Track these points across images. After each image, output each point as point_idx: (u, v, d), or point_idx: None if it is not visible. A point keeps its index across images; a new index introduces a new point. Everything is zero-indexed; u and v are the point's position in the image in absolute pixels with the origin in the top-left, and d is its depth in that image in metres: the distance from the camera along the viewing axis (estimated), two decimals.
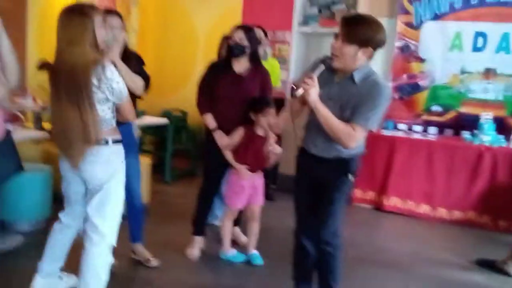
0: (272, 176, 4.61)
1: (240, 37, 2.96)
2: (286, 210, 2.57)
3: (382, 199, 4.66)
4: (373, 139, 4.65)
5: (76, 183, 2.35)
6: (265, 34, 4.13)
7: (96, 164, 2.23)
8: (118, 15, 2.76)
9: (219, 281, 2.93)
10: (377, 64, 4.57)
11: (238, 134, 3.01)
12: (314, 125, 2.34)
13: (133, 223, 2.98)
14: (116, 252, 2.47)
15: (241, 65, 3.03)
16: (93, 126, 2.15)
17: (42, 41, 4.17)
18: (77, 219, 2.46)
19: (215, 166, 3.12)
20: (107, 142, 2.23)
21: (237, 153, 3.04)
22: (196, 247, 3.23)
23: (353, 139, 2.19)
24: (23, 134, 3.33)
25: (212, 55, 3.15)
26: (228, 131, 3.02)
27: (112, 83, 2.16)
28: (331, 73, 2.30)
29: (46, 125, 3.44)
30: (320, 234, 2.42)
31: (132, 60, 2.75)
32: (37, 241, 2.64)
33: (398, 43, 4.96)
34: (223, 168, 3.11)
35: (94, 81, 2.12)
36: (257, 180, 3.15)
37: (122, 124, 2.55)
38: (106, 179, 2.25)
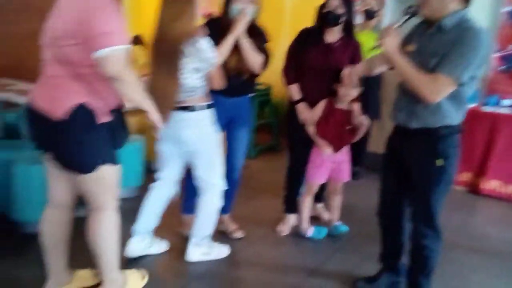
0: (357, 154, 4.41)
1: (336, 5, 2.79)
2: (372, 189, 2.42)
3: (480, 182, 4.27)
4: (471, 115, 4.26)
5: (170, 145, 2.57)
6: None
7: (186, 128, 2.46)
8: None
9: (301, 257, 2.88)
10: None
11: (320, 107, 2.88)
12: (400, 85, 2.17)
13: (226, 195, 3.00)
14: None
15: (333, 35, 2.87)
16: (178, 93, 2.39)
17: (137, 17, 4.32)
18: (171, 180, 2.69)
19: (301, 141, 3.01)
20: (194, 109, 2.44)
21: (317, 127, 2.91)
22: (287, 224, 3.20)
23: (436, 90, 1.93)
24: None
25: (299, 28, 3.01)
26: (313, 104, 2.90)
27: (203, 54, 2.35)
28: (422, 27, 2.09)
29: None
30: (414, 229, 2.23)
31: (256, 35, 2.71)
32: (130, 208, 2.77)
33: (506, 8, 4.42)
34: (309, 143, 3.00)
35: (188, 51, 2.33)
36: (341, 155, 3.00)
37: (238, 96, 2.76)
38: (197, 142, 2.49)
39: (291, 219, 3.21)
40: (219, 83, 2.51)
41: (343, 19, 2.81)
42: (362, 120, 2.90)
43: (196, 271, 2.61)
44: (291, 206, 3.20)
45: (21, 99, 3.24)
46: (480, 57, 1.94)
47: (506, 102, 4.47)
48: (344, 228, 3.13)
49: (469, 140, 4.28)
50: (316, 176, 3.02)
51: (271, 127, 5.53)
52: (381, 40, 2.02)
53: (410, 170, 2.19)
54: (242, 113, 2.85)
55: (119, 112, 2.08)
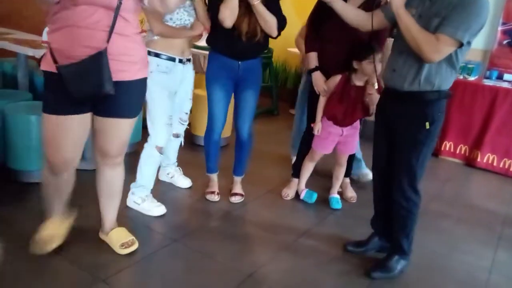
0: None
1: None
2: (368, 157, 2.43)
3: (476, 155, 4.30)
4: (472, 88, 4.25)
5: None
6: None
7: None
8: None
9: (294, 219, 2.91)
10: None
11: (334, 81, 2.80)
12: (396, 46, 2.16)
13: (237, 157, 3.03)
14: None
15: (355, 2, 2.71)
16: None
17: None
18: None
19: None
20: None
21: (329, 102, 2.86)
22: (292, 188, 3.21)
23: (438, 49, 1.94)
24: None
25: None
26: (330, 74, 2.84)
27: None
28: None
29: None
30: (396, 186, 2.26)
31: None
32: (129, 163, 2.78)
33: None
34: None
35: None
36: (349, 130, 2.95)
37: (248, 59, 2.69)
38: None
39: (295, 183, 3.22)
40: (155, 29, 2.44)
41: None
42: (375, 98, 2.73)
43: (189, 226, 2.65)
44: (298, 171, 3.19)
45: (17, 48, 3.18)
46: (481, 22, 1.94)
47: (507, 76, 4.45)
48: (338, 205, 3.11)
49: (467, 113, 4.29)
50: (320, 147, 3.00)
51: (270, 91, 5.50)
52: None
53: (396, 132, 2.21)
54: (251, 76, 2.77)
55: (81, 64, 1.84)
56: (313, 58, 2.89)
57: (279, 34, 2.65)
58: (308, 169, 3.14)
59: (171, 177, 3.15)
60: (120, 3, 1.83)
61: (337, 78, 2.79)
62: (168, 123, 2.67)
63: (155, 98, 2.60)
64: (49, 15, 1.85)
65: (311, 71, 2.91)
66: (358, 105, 2.83)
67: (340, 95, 2.80)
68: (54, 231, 2.21)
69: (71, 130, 1.99)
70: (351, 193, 3.28)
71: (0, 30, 3.81)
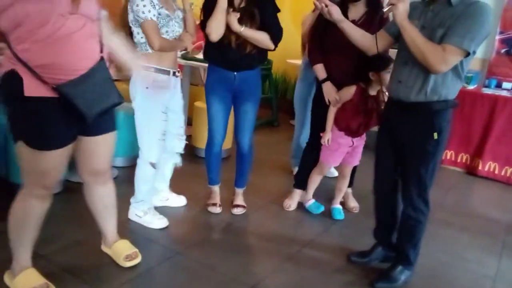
0: None
1: None
2: (369, 166, 2.44)
3: (477, 164, 4.30)
4: (471, 97, 4.27)
5: None
6: None
7: (130, 83, 2.51)
8: None
9: (297, 229, 2.90)
10: None
11: (349, 92, 2.76)
12: (401, 57, 2.16)
13: (238, 169, 3.01)
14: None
15: (357, 11, 2.73)
16: None
17: None
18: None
19: (323, 120, 2.91)
20: None
21: (343, 113, 2.82)
22: (295, 199, 3.20)
23: (444, 60, 1.93)
24: (113, 72, 3.44)
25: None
26: (338, 84, 2.82)
27: (133, 5, 2.34)
28: (424, 3, 2.10)
29: None
30: (405, 197, 2.26)
31: (267, 5, 2.60)
32: (129, 176, 2.78)
33: None
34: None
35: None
36: (359, 140, 2.94)
37: (242, 70, 2.68)
38: (133, 99, 2.53)
39: (298, 194, 3.21)
40: (156, 43, 2.37)
41: None
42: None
43: (192, 239, 2.64)
44: (301, 182, 3.18)
45: None
46: (485, 31, 1.94)
47: (506, 85, 4.47)
48: (340, 216, 3.10)
49: (467, 122, 4.30)
50: (330, 160, 2.98)
51: (270, 102, 5.52)
52: (393, 4, 1.98)
53: (404, 144, 2.20)
54: (248, 87, 2.75)
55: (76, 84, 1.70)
56: (320, 70, 2.88)
57: (276, 46, 2.65)
58: (316, 181, 3.12)
59: (166, 200, 3.02)
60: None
61: (352, 89, 2.76)
62: (161, 139, 2.63)
63: (149, 114, 2.53)
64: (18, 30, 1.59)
65: (321, 82, 2.88)
66: (374, 115, 2.82)
67: (356, 106, 2.78)
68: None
69: (66, 158, 1.86)
70: (353, 203, 3.27)
71: None
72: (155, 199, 2.90)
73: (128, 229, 2.64)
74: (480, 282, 2.50)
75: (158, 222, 2.72)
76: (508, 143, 4.15)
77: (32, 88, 1.64)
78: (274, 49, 2.67)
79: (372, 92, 2.76)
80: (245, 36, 2.54)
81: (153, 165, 2.64)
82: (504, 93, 4.26)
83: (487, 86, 4.46)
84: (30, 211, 1.89)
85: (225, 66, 2.67)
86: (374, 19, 2.59)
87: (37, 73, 1.62)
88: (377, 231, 2.55)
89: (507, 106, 4.13)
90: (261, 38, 2.58)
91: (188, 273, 2.30)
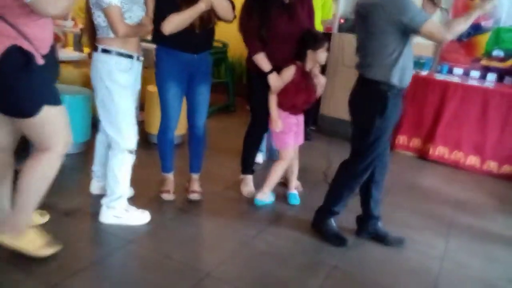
0: (312, 116, 4.44)
1: None
2: (324, 151, 2.45)
3: (428, 148, 4.44)
4: (423, 83, 4.37)
5: None
6: None
7: (91, 69, 2.40)
8: None
9: (253, 216, 2.89)
10: None
11: (290, 73, 2.76)
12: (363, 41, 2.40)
13: (192, 153, 2.95)
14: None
15: None
16: (85, 31, 2.33)
17: None
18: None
19: (263, 105, 2.89)
20: (96, 49, 2.35)
21: (286, 93, 2.81)
22: (249, 184, 3.18)
23: (438, 31, 2.20)
24: (63, 55, 3.28)
25: None
26: (280, 70, 2.79)
27: None
28: None
29: (86, 48, 3.38)
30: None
31: None
32: (79, 163, 2.65)
33: None
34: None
35: None
36: (300, 117, 3.00)
37: (200, 52, 2.65)
38: (96, 85, 2.40)
39: (250, 179, 3.20)
40: (120, 31, 2.25)
41: None
42: (321, 79, 2.93)
43: (145, 227, 2.57)
44: (249, 167, 3.19)
45: None
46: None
47: (456, 70, 4.61)
48: (296, 201, 3.11)
49: (419, 107, 4.42)
50: (288, 142, 2.96)
51: (227, 87, 5.44)
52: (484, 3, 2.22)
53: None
54: (205, 67, 2.73)
55: (51, 52, 2.00)
56: (264, 60, 2.77)
57: (234, 16, 2.65)
58: (280, 176, 3.07)
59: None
60: None
61: (291, 70, 2.77)
62: (134, 122, 2.49)
63: (117, 99, 2.37)
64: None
65: (266, 74, 2.78)
66: (313, 89, 2.89)
67: (298, 85, 2.80)
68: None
69: None
70: (295, 182, 3.27)
71: None
72: (95, 187, 2.80)
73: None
74: (429, 262, 2.58)
75: (143, 215, 2.59)
76: (458, 127, 4.30)
77: (38, 58, 1.89)
78: (232, 20, 2.65)
79: (308, 68, 2.82)
80: (217, 4, 2.49)
81: (132, 152, 2.49)
82: (455, 79, 4.40)
83: (439, 72, 4.58)
84: (54, 169, 2.03)
85: (186, 49, 2.59)
86: (304, 0, 2.77)
87: (35, 46, 1.86)
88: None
89: (458, 92, 4.26)
90: (227, 3, 2.56)
91: (142, 262, 2.24)
